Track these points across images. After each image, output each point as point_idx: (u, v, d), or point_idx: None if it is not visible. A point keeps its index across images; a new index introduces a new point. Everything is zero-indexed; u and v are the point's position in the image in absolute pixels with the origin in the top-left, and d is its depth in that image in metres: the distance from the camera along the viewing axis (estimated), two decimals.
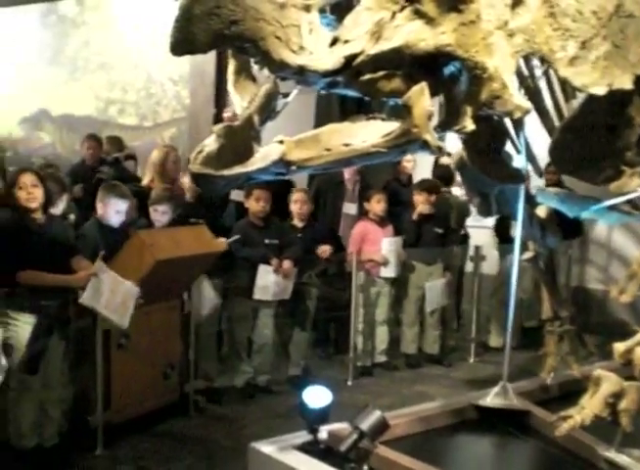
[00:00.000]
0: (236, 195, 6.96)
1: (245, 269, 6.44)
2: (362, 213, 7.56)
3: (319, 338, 7.56)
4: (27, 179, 4.96)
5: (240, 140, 2.76)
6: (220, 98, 9.84)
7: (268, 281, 6.40)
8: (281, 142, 2.69)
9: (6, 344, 4.95)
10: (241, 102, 2.97)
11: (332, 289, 7.42)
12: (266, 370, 6.67)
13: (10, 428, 5.15)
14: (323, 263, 7.13)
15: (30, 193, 4.94)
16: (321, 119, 8.56)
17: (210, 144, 2.75)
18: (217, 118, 9.72)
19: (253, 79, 3.00)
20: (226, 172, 2.68)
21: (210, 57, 9.66)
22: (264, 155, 2.68)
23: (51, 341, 5.05)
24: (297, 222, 6.98)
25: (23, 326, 4.94)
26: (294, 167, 2.74)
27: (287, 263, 6.46)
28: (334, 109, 8.74)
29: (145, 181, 7.07)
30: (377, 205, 7.17)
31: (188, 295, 5.98)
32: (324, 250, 6.90)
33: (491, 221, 7.70)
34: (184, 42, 2.46)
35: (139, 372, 5.58)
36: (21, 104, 11.63)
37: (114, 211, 5.66)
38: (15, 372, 5.02)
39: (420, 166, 8.62)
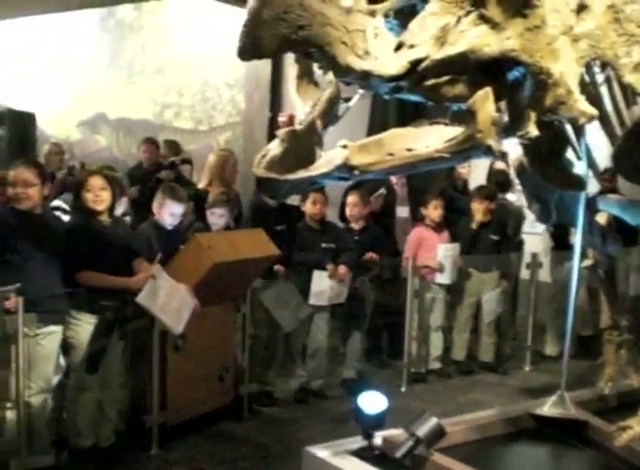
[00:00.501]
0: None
1: (301, 274, 6.47)
2: (415, 217, 7.53)
3: (372, 343, 7.52)
4: (96, 182, 5.03)
5: (303, 144, 2.76)
6: (275, 102, 9.87)
7: (323, 286, 6.41)
8: (344, 147, 2.69)
9: (66, 343, 5.04)
10: (303, 106, 2.96)
11: (385, 294, 7.40)
12: (320, 375, 6.68)
13: (67, 427, 5.24)
14: (377, 268, 7.12)
15: (98, 196, 5.01)
16: (376, 124, 8.54)
17: (274, 148, 2.75)
18: (272, 123, 9.75)
19: (316, 84, 3.00)
20: (290, 177, 2.68)
21: (266, 61, 9.68)
22: (328, 159, 2.68)
23: (110, 341, 5.11)
24: (354, 225, 6.99)
25: (84, 326, 5.01)
26: (356, 172, 2.73)
27: (342, 268, 6.46)
28: (389, 114, 8.72)
29: (202, 184, 7.12)
30: (434, 211, 7.15)
31: (243, 298, 6.01)
32: (371, 257, 6.89)
33: (544, 228, 7.63)
34: (252, 47, 2.47)
35: (194, 374, 5.62)
36: (79, 107, 11.79)
37: (168, 213, 5.73)
38: (74, 371, 5.10)
39: (475, 172, 8.56)
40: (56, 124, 11.59)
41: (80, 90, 11.64)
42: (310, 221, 6.57)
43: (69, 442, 5.18)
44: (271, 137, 9.27)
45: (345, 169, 2.69)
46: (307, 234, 6.51)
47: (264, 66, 9.72)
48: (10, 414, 4.74)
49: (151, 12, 11.31)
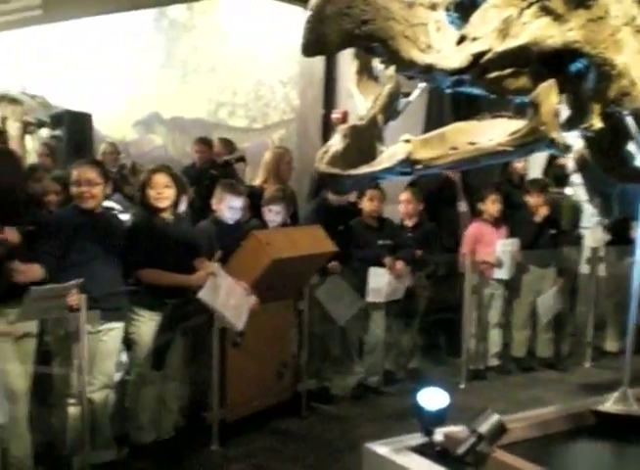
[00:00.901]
0: None
1: (356, 271, 6.45)
2: (473, 213, 7.48)
3: (430, 340, 7.48)
4: (160, 179, 5.08)
5: (364, 140, 2.75)
6: (329, 99, 9.86)
7: (381, 283, 6.41)
8: (407, 141, 2.67)
9: (128, 339, 5.11)
10: (364, 102, 2.96)
11: (441, 290, 7.36)
12: (378, 371, 6.66)
13: (129, 422, 5.30)
14: (432, 265, 7.08)
15: (160, 193, 5.07)
16: (432, 119, 8.48)
17: (336, 144, 2.75)
18: (326, 119, 9.74)
19: (375, 79, 2.99)
20: (353, 172, 2.68)
21: (319, 58, 9.68)
22: (391, 154, 2.66)
23: (172, 337, 5.16)
24: (407, 222, 6.96)
25: (147, 323, 5.08)
26: (419, 167, 2.71)
27: (400, 264, 6.44)
28: (445, 108, 8.65)
29: (257, 182, 7.16)
30: (491, 205, 7.09)
31: (301, 294, 6.02)
32: (416, 254, 6.87)
33: (599, 221, 7.54)
34: (316, 43, 2.47)
35: (253, 370, 5.66)
36: (134, 107, 11.92)
37: (227, 207, 5.76)
38: (136, 367, 5.16)
39: (532, 168, 8.46)
40: (111, 125, 11.72)
41: (135, 90, 11.77)
42: (367, 218, 6.57)
43: (130, 437, 5.25)
44: (325, 134, 9.43)
45: (408, 164, 2.68)
46: (364, 231, 6.51)
47: (318, 63, 9.71)
48: (73, 410, 4.81)
49: (203, 11, 11.38)
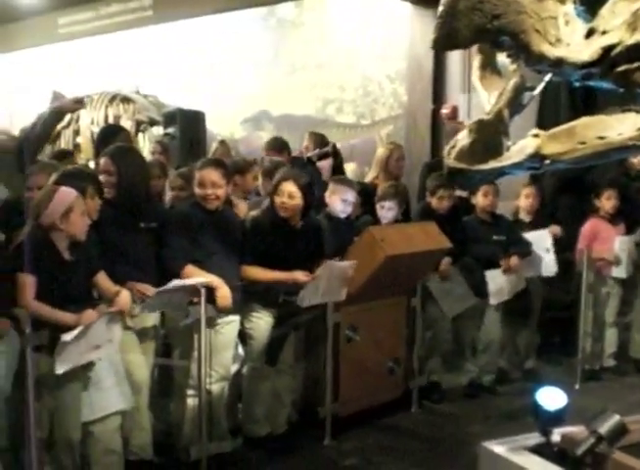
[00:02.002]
0: None
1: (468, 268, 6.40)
2: (589, 209, 7.31)
3: (543, 340, 7.33)
4: (289, 188, 5.10)
5: (491, 134, 2.73)
6: (438, 94, 9.77)
7: (500, 284, 6.35)
8: (536, 136, 2.65)
9: (244, 334, 5.19)
10: (487, 96, 2.94)
11: (555, 289, 7.22)
12: (492, 370, 6.59)
13: (243, 415, 5.38)
14: None
15: (284, 203, 5.09)
16: (547, 113, 8.30)
17: (463, 139, 2.74)
18: (435, 115, 9.67)
19: (499, 73, 2.97)
20: (482, 167, 2.67)
21: (428, 53, 9.63)
22: (520, 149, 2.64)
23: (287, 332, 5.23)
24: (525, 217, 6.87)
25: (264, 318, 5.16)
26: (547, 161, 2.68)
27: (514, 259, 6.35)
28: (560, 103, 8.46)
29: (369, 178, 7.16)
30: (607, 202, 6.91)
31: (414, 291, 6.00)
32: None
33: None
34: (447, 38, 2.47)
35: (366, 366, 5.67)
36: (242, 105, 12.06)
37: (340, 199, 5.77)
38: (251, 361, 5.24)
39: None
40: (220, 122, 11.90)
41: (243, 88, 11.91)
42: (481, 214, 6.49)
43: (244, 430, 5.33)
44: (434, 130, 9.34)
45: (537, 159, 2.65)
46: (479, 227, 6.44)
47: (426, 57, 9.64)
48: (190, 402, 4.91)
49: (311, 8, 11.43)
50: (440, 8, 2.45)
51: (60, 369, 3.94)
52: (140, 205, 4.71)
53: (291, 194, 5.06)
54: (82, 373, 4.18)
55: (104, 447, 4.36)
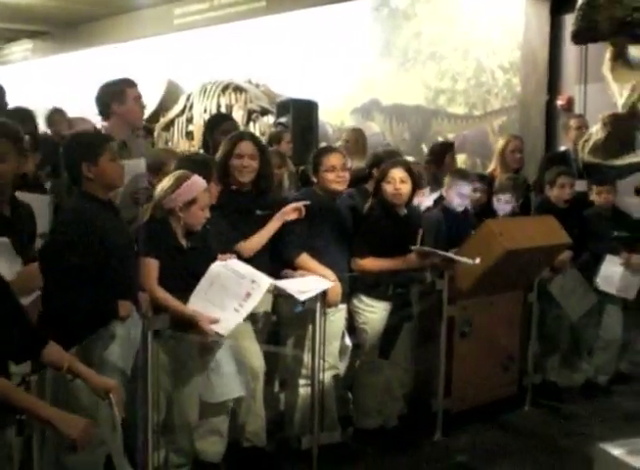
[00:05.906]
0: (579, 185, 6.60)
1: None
2: None
3: None
4: (399, 174, 5.09)
5: (625, 128, 2.65)
6: (553, 85, 9.57)
7: (613, 272, 6.09)
8: None
9: (354, 327, 5.17)
10: (618, 89, 2.84)
11: None
12: (609, 370, 6.39)
13: (353, 407, 5.36)
14: None
15: (398, 189, 5.07)
16: None
17: (596, 133, 2.67)
18: (549, 106, 9.47)
19: (630, 66, 2.86)
20: (617, 162, 2.57)
21: (543, 43, 9.44)
22: None
23: (400, 325, 5.18)
24: None
25: (376, 311, 5.11)
26: None
27: (637, 258, 6.12)
28: None
29: (489, 169, 7.07)
30: None
31: (531, 286, 5.87)
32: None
33: None
34: (587, 30, 2.44)
35: (479, 362, 5.58)
36: (353, 95, 12.06)
37: (457, 193, 5.71)
38: (365, 355, 5.21)
39: None
40: (330, 112, 11.91)
41: (354, 78, 11.91)
42: (602, 209, 6.29)
43: (355, 422, 5.31)
44: (548, 121, 9.12)
45: None
46: (599, 222, 6.24)
47: (541, 48, 9.46)
48: (302, 391, 4.92)
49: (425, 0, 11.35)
50: (580, 0, 2.41)
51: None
52: (266, 192, 4.77)
53: (402, 179, 5.07)
54: (202, 358, 4.23)
55: (210, 428, 4.43)
